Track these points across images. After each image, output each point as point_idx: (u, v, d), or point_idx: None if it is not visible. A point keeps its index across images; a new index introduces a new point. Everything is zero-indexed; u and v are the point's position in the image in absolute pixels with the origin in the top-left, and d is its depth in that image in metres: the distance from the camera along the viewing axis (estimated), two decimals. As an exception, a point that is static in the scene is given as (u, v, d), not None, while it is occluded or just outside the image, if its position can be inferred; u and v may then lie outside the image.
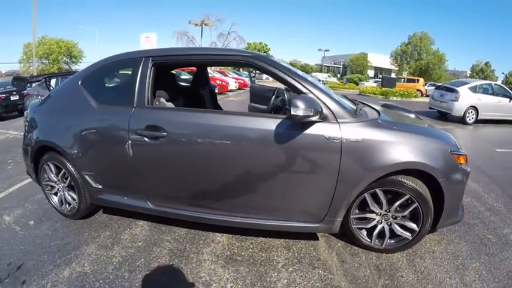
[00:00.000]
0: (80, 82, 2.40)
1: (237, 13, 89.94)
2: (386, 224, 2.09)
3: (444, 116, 9.85)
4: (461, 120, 9.13)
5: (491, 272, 2.06)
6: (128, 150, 2.11)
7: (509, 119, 9.68)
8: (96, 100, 2.30)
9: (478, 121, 9.28)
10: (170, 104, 2.57)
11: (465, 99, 9.03)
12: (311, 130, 1.81)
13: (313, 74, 38.31)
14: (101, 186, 2.36)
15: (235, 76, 21.41)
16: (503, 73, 50.35)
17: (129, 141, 2.09)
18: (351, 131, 1.81)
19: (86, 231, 2.49)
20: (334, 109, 1.85)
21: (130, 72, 2.29)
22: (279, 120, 1.89)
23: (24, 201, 3.05)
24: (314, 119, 1.74)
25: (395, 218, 2.06)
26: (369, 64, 46.72)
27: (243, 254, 2.18)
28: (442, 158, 1.95)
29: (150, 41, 22.21)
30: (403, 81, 24.68)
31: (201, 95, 3.38)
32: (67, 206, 2.59)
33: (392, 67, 43.50)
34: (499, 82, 20.16)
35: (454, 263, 2.15)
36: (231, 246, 2.27)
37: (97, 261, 2.11)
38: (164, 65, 2.44)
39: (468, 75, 47.98)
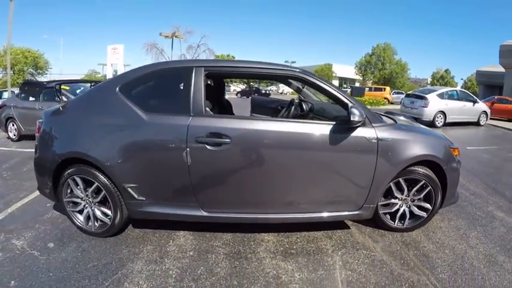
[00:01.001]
0: (117, 89, 2.46)
1: (204, 26, 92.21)
2: (406, 206, 2.80)
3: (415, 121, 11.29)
4: (431, 124, 10.56)
5: (487, 237, 2.88)
6: (185, 159, 2.28)
7: (473, 120, 11.55)
8: (143, 108, 2.38)
9: (446, 124, 10.91)
10: (211, 113, 2.75)
11: (434, 105, 10.65)
12: (356, 133, 2.40)
13: (280, 85, 40.00)
14: (143, 198, 2.41)
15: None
16: (462, 79, 56.52)
17: (188, 149, 2.27)
18: (383, 133, 2.48)
19: (123, 248, 2.46)
20: (369, 116, 2.47)
21: (175, 81, 2.56)
22: (330, 126, 2.39)
23: (32, 222, 2.90)
24: (360, 123, 2.34)
25: (413, 200, 2.77)
26: (334, 74, 49.95)
27: (294, 247, 2.58)
28: (444, 151, 2.74)
29: (117, 52, 22.50)
30: (371, 90, 27.16)
31: (225, 104, 3.84)
32: (95, 223, 2.59)
33: (357, 77, 46.97)
34: (458, 87, 23.13)
35: (458, 233, 2.94)
36: (281, 242, 2.64)
37: (152, 276, 2.12)
38: (214, 75, 2.75)
39: (429, 82, 53.01)
